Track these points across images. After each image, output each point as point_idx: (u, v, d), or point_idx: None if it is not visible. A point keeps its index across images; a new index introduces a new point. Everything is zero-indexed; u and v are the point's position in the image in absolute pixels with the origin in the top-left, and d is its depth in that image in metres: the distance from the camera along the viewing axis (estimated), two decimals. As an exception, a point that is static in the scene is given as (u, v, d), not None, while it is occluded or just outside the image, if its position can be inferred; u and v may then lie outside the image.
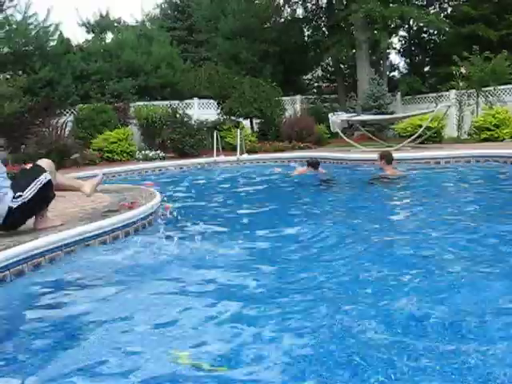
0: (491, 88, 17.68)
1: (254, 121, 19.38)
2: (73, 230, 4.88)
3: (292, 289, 3.83)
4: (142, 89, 20.18)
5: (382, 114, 18.85)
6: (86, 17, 24.41)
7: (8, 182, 4.81)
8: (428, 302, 3.38)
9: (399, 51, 29.37)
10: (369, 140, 16.48)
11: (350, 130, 18.61)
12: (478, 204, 7.03)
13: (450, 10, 26.49)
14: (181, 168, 14.06)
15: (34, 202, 4.77)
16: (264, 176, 12.19)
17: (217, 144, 15.26)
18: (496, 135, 15.49)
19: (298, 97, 23.50)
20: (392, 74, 28.85)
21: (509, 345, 2.73)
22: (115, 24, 24.97)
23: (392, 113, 19.93)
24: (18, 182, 4.87)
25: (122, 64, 20.25)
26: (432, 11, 24.86)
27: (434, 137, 15.54)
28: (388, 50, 26.00)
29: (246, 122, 19.03)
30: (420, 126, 14.76)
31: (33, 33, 17.66)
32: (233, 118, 18.33)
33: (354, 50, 23.84)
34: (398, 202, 7.80)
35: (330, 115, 15.94)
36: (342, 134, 15.33)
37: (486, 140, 15.45)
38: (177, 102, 19.96)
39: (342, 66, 27.63)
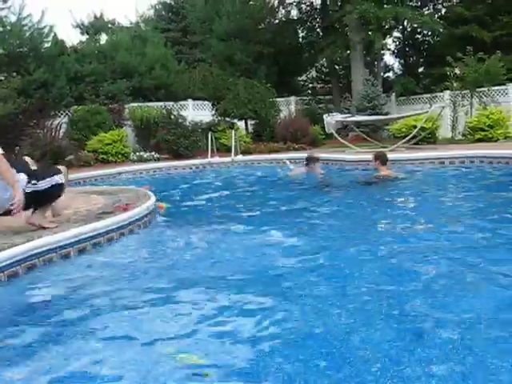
0: (485, 89, 17.73)
1: (249, 122, 19.37)
2: (68, 232, 4.87)
3: (286, 297, 3.84)
4: (136, 90, 20.14)
5: (377, 114, 18.87)
6: (80, 18, 24.30)
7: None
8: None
9: (393, 52, 29.45)
10: (363, 141, 16.49)
11: (345, 131, 18.62)
12: (472, 204, 7.05)
13: (443, 11, 26.58)
14: (175, 169, 14.04)
15: (44, 195, 4.96)
16: (259, 177, 12.20)
17: (211, 145, 15.24)
18: (490, 136, 15.54)
19: (293, 98, 23.50)
20: (386, 74, 28.91)
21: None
22: (109, 25, 24.89)
23: (386, 114, 19.94)
24: (36, 172, 5.12)
25: (117, 65, 20.21)
26: (426, 12, 24.93)
27: (428, 137, 15.56)
28: (382, 51, 26.04)
29: (241, 123, 19.02)
30: (414, 127, 14.78)
31: (27, 34, 17.62)
32: (227, 119, 18.32)
33: (348, 51, 23.86)
34: (392, 203, 7.81)
35: (324, 116, 15.95)
36: (336, 135, 15.34)
37: (480, 140, 15.48)
38: (171, 103, 19.92)
39: (337, 67, 27.64)
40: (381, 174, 9.32)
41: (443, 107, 15.98)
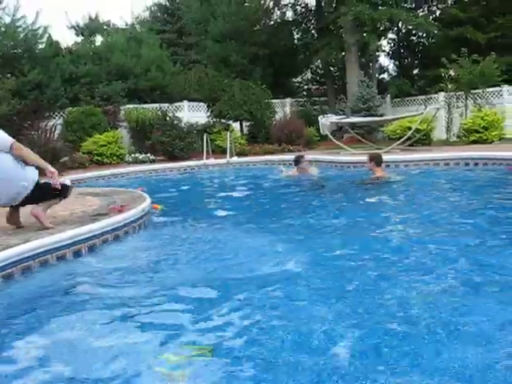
0: (480, 90, 17.77)
1: (244, 123, 19.38)
2: (64, 234, 4.86)
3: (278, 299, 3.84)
4: (131, 92, 20.12)
5: (372, 116, 18.89)
6: (75, 19, 24.26)
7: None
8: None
9: (388, 54, 29.46)
10: (358, 142, 16.52)
11: (340, 133, 18.65)
12: (466, 205, 7.07)
13: (438, 12, 26.62)
14: (171, 171, 14.03)
15: (53, 191, 5.29)
16: (254, 178, 12.20)
17: (207, 147, 15.25)
18: (485, 137, 15.59)
19: (288, 99, 23.50)
20: (381, 76, 28.95)
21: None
22: (105, 27, 24.84)
23: (381, 115, 19.97)
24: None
25: (112, 67, 20.18)
26: (421, 14, 24.94)
27: (423, 139, 15.60)
28: (377, 53, 26.10)
29: (236, 125, 19.03)
30: (409, 129, 14.82)
31: (21, 35, 17.60)
32: (223, 120, 18.31)
33: (343, 53, 23.88)
34: (387, 204, 7.82)
35: (319, 118, 15.97)
36: (331, 137, 15.36)
37: (474, 142, 15.53)
38: (167, 104, 19.90)
39: (332, 69, 27.65)
40: (376, 176, 9.32)
41: (438, 109, 16.02)
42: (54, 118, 17.85)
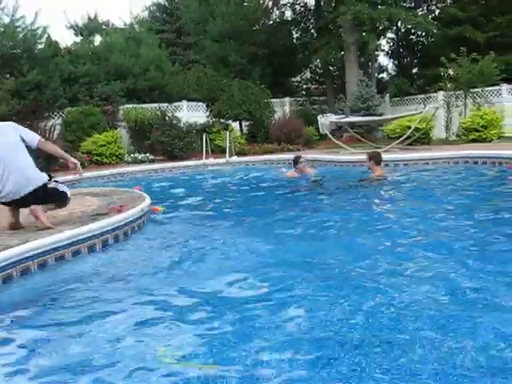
0: (479, 89, 17.78)
1: (243, 123, 19.38)
2: (63, 234, 4.86)
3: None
4: (130, 91, 20.10)
5: (371, 115, 18.89)
6: (74, 19, 24.19)
7: None
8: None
9: (387, 53, 29.48)
10: (358, 142, 16.52)
11: (339, 132, 18.65)
12: (465, 204, 7.08)
13: (437, 11, 26.63)
14: (170, 171, 14.02)
15: (60, 196, 5.46)
16: (253, 178, 12.19)
17: (206, 146, 15.24)
18: (484, 136, 15.60)
19: (287, 99, 23.51)
20: (380, 75, 28.93)
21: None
22: (103, 27, 24.80)
23: (381, 114, 19.97)
24: (58, 180, 5.76)
25: (111, 67, 20.17)
26: (420, 13, 24.96)
27: (422, 138, 15.60)
28: (376, 52, 26.08)
29: (235, 125, 19.03)
30: (409, 128, 14.81)
31: (20, 36, 17.58)
32: (222, 120, 18.31)
33: (342, 52, 23.88)
34: (386, 203, 7.82)
35: (318, 117, 15.96)
36: (330, 136, 15.36)
37: (473, 141, 15.54)
38: (166, 104, 19.89)
39: (331, 68, 27.65)
40: (375, 175, 9.32)
41: (437, 108, 16.02)
42: (53, 118, 17.85)
